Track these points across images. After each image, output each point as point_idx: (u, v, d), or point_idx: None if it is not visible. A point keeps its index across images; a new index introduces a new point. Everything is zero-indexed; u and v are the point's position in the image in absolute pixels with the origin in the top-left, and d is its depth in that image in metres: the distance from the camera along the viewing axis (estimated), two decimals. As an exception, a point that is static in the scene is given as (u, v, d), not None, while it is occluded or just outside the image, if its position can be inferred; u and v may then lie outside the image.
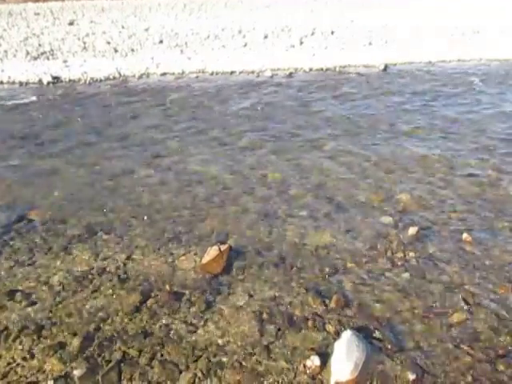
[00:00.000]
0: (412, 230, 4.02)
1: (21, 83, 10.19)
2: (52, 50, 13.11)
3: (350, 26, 18.17)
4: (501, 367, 2.66)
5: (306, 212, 4.41)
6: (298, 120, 7.51)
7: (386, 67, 11.81)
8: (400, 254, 3.73)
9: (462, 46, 14.35)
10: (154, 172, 5.42)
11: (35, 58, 12.20)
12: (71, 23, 18.39)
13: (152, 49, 13.72)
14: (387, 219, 4.27)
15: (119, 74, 11.05)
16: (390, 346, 2.78)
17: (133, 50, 13.53)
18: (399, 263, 3.62)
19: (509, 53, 13.40)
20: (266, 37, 15.75)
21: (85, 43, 14.23)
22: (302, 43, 14.77)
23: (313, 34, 16.44)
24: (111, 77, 10.86)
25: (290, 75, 11.20)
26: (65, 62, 11.91)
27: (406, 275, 3.47)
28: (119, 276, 3.47)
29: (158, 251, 3.78)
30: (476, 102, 8.65)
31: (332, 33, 16.60)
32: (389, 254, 3.74)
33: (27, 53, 12.57)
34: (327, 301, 3.16)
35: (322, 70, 11.73)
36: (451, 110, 8.07)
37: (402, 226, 4.15)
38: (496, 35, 16.33)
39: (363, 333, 2.85)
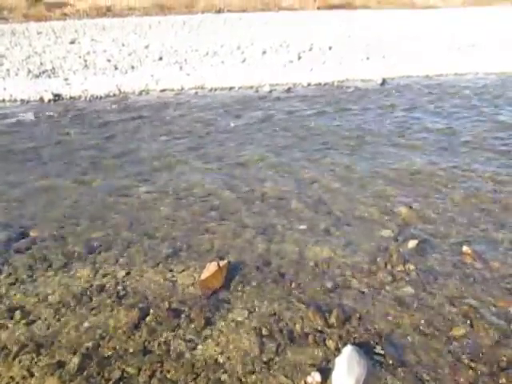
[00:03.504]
0: (412, 243, 4.02)
1: (22, 101, 10.28)
2: (53, 68, 13.24)
3: (348, 41, 18.39)
4: (503, 380, 2.63)
5: (305, 226, 4.41)
6: (297, 135, 7.54)
7: (383, 81, 11.91)
8: (400, 268, 3.72)
9: (458, 59, 14.48)
10: (153, 188, 5.44)
11: (37, 76, 12.33)
12: (73, 42, 18.62)
13: (152, 66, 13.86)
14: (387, 232, 4.27)
15: (119, 90, 11.14)
16: (391, 361, 2.76)
17: (133, 67, 13.66)
18: (399, 277, 3.61)
19: (505, 66, 13.52)
20: (264, 52, 15.91)
21: (86, 61, 14.39)
22: (300, 58, 14.92)
23: (311, 49, 16.62)
24: (111, 94, 10.95)
25: (289, 90, 11.29)
26: (66, 79, 12.03)
27: (407, 289, 3.45)
28: (118, 293, 3.45)
29: (157, 268, 3.77)
30: (473, 115, 8.70)
31: (330, 48, 16.78)
32: (389, 267, 3.73)
33: (29, 71, 12.71)
34: (327, 316, 3.15)
35: (320, 84, 11.82)
36: (449, 123, 8.12)
37: (401, 239, 4.14)
38: (492, 48, 16.50)
39: (364, 348, 2.83)
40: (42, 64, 13.79)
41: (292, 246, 4.07)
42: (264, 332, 3.00)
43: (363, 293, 3.42)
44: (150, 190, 5.39)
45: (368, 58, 14.81)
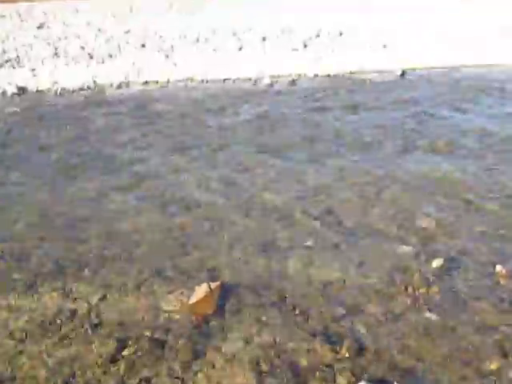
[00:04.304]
0: (436, 262, 4.02)
1: (-19, 95, 10.32)
2: (18, 57, 13.32)
3: (362, 26, 18.50)
4: (544, 425, 2.63)
5: (311, 241, 4.42)
6: (302, 135, 7.58)
7: (403, 73, 11.99)
8: (423, 291, 3.72)
9: (487, 50, 14.58)
10: (133, 197, 5.45)
11: (-2, 67, 12.39)
12: (41, 26, 18.75)
13: (133, 54, 13.96)
14: (407, 249, 4.27)
15: (95, 83, 11.21)
16: (412, 401, 2.75)
17: (111, 56, 13.76)
18: (422, 301, 3.61)
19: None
20: (264, 39, 16.04)
21: (56, 48, 14.48)
22: (305, 46, 15.03)
23: (318, 35, 16.74)
24: (86, 86, 11.01)
25: (293, 82, 11.37)
26: (32, 70, 12.09)
27: (431, 315, 3.45)
28: (92, 320, 3.44)
29: (137, 290, 3.77)
30: (504, 112, 8.74)
31: (340, 34, 16.91)
32: (409, 290, 3.73)
33: (-11, 60, 12.78)
34: (337, 347, 3.14)
35: (329, 76, 11.91)
36: (478, 122, 8.15)
37: (424, 258, 4.15)
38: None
39: (380, 385, 2.82)
40: (4, 52, 13.87)
41: (296, 265, 4.07)
42: (263, 366, 2.99)
43: (379, 320, 3.41)
44: (129, 198, 5.40)
45: (385, 46, 14.91)
